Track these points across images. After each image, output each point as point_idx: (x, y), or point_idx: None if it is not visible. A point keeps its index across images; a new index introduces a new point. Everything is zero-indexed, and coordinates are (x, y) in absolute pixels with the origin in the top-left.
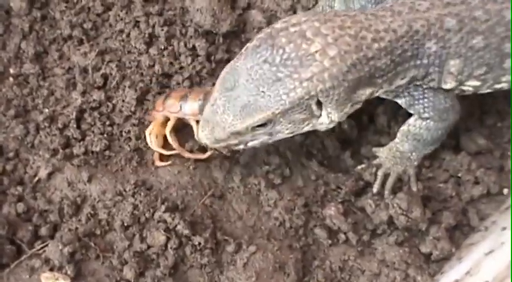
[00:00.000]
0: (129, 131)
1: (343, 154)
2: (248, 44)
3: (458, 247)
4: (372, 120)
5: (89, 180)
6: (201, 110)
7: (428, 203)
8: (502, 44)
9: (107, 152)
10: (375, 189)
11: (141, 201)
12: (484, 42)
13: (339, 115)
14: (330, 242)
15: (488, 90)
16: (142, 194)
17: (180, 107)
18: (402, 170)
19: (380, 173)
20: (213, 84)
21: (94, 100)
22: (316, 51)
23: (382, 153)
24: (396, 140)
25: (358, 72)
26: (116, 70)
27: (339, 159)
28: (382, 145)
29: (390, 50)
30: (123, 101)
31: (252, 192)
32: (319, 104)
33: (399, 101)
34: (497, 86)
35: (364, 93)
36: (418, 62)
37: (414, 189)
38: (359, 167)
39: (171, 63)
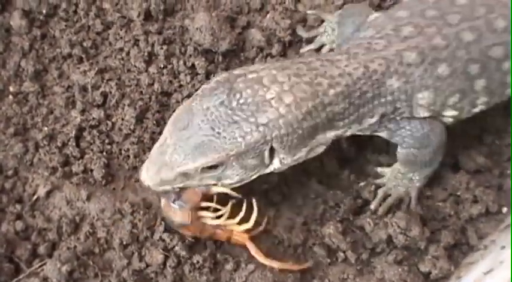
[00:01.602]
0: (128, 149)
1: (342, 173)
2: (204, 86)
3: (458, 266)
4: (371, 139)
5: (88, 198)
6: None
7: (427, 221)
8: (467, 67)
9: (106, 170)
10: (372, 206)
11: (140, 220)
12: (449, 69)
13: (292, 160)
14: (328, 260)
15: (468, 116)
16: (141, 212)
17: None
18: (404, 191)
19: (381, 192)
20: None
21: (93, 118)
22: (272, 98)
23: (386, 174)
24: (397, 162)
25: (314, 119)
26: (116, 88)
27: (338, 178)
28: (381, 164)
29: (348, 94)
30: (123, 119)
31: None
32: (271, 151)
33: (380, 135)
34: (476, 110)
35: (325, 136)
36: (383, 99)
37: (414, 210)
38: (360, 184)
39: (170, 81)
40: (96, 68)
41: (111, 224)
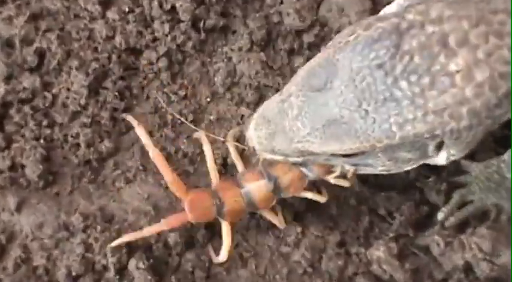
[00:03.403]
0: (77, 135)
1: None
2: (359, 31)
3: None
4: None
5: (18, 208)
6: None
7: None
8: None
9: (44, 167)
10: (439, 216)
11: (96, 239)
12: None
13: (463, 153)
14: None
15: None
16: (98, 228)
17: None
18: (494, 202)
19: (457, 196)
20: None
21: (24, 89)
22: (458, 71)
23: (474, 171)
24: (504, 157)
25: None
26: (57, 44)
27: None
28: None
29: None
30: (69, 89)
31: (263, 225)
32: (439, 145)
33: None
34: None
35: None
36: None
37: (504, 228)
38: (429, 180)
39: (139, 32)
40: (28, 13)
41: (53, 245)
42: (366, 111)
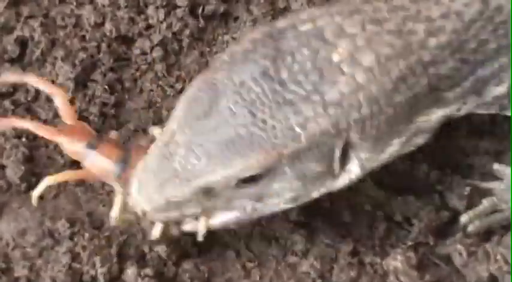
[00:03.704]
0: None
1: (418, 166)
2: (233, 48)
3: None
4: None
5: None
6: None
7: None
8: None
9: (26, 168)
10: (463, 218)
11: (84, 248)
12: None
13: (377, 159)
14: None
15: None
16: (86, 235)
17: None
18: None
19: (486, 203)
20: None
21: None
22: (342, 61)
23: (505, 176)
24: None
25: (411, 89)
26: (41, 32)
27: (411, 175)
28: (488, 153)
29: (458, 46)
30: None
31: (268, 233)
32: (344, 151)
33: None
34: None
35: (428, 118)
36: None
37: None
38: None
39: (131, 19)
40: None
41: (37, 254)
42: (263, 120)
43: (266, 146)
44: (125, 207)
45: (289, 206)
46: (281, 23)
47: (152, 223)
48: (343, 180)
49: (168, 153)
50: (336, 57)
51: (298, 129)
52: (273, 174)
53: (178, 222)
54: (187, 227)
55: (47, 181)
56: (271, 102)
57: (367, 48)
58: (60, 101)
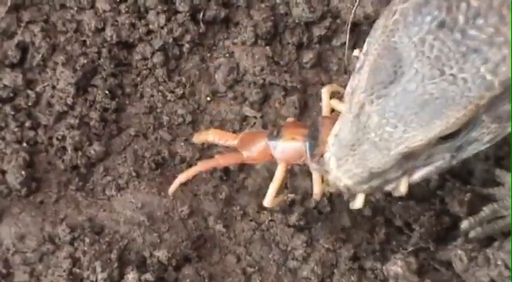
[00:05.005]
0: (63, 138)
1: None
2: (398, 7)
3: None
4: None
5: None
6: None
7: None
8: None
9: (27, 173)
10: (463, 225)
11: (84, 253)
12: None
13: None
14: None
15: None
16: (86, 240)
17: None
18: None
19: (488, 211)
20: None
21: (5, 86)
22: None
23: (507, 181)
24: None
25: None
26: (41, 37)
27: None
28: (489, 161)
29: None
30: (54, 87)
31: (268, 237)
32: None
33: None
34: None
35: None
36: None
37: None
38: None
39: (132, 24)
40: (9, 2)
41: (37, 259)
42: (453, 75)
43: (462, 102)
44: (324, 182)
45: (487, 146)
46: None
47: (353, 194)
48: None
49: (362, 125)
50: None
51: (489, 77)
52: (472, 125)
53: (380, 188)
54: (389, 187)
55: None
56: (456, 53)
57: None
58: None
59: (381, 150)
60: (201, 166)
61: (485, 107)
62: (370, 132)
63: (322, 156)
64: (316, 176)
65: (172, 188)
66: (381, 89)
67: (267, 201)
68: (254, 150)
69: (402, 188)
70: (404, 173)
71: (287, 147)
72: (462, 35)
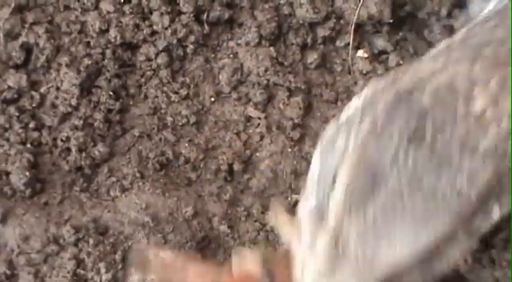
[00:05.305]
0: (68, 139)
1: None
2: (367, 118)
3: None
4: None
5: (3, 220)
6: None
7: None
8: None
9: (31, 174)
10: None
11: (89, 254)
12: None
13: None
14: None
15: None
16: (91, 241)
17: None
18: None
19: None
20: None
21: (9, 88)
22: (484, 111)
23: None
24: None
25: None
26: (46, 38)
27: None
28: None
29: None
30: (58, 88)
31: (272, 238)
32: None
33: None
34: None
35: None
36: None
37: None
38: None
39: (136, 25)
40: (13, 4)
41: (42, 260)
42: (432, 189)
43: (444, 217)
44: None
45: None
46: (404, 82)
47: None
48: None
49: (340, 250)
50: (476, 108)
51: (466, 189)
52: (449, 239)
53: None
54: None
55: None
56: (431, 169)
57: (504, 93)
58: None
59: (357, 267)
60: None
61: (463, 220)
62: (350, 256)
63: None
64: None
65: None
66: (357, 211)
67: None
68: None
69: None
70: None
71: None
72: (432, 150)
